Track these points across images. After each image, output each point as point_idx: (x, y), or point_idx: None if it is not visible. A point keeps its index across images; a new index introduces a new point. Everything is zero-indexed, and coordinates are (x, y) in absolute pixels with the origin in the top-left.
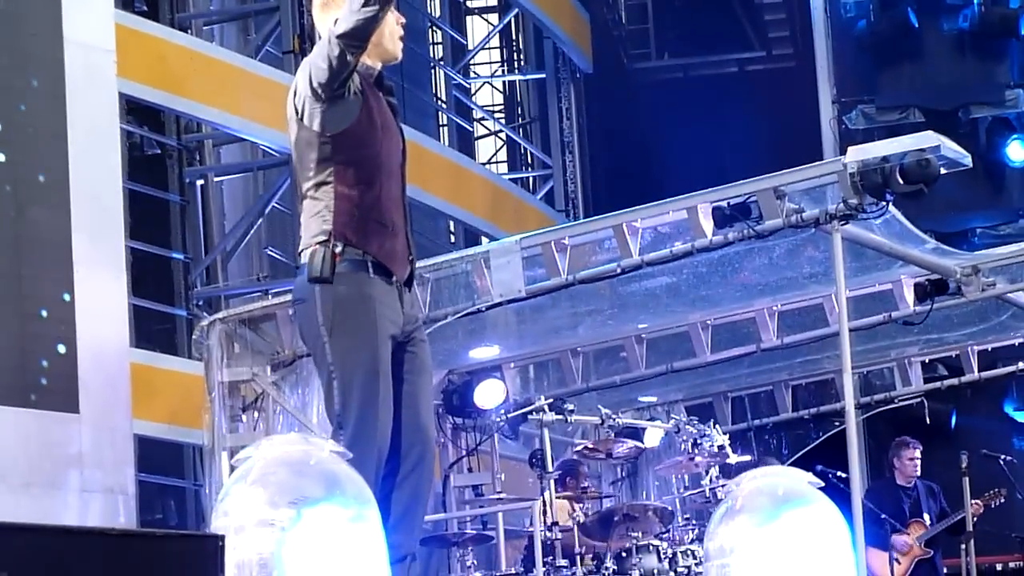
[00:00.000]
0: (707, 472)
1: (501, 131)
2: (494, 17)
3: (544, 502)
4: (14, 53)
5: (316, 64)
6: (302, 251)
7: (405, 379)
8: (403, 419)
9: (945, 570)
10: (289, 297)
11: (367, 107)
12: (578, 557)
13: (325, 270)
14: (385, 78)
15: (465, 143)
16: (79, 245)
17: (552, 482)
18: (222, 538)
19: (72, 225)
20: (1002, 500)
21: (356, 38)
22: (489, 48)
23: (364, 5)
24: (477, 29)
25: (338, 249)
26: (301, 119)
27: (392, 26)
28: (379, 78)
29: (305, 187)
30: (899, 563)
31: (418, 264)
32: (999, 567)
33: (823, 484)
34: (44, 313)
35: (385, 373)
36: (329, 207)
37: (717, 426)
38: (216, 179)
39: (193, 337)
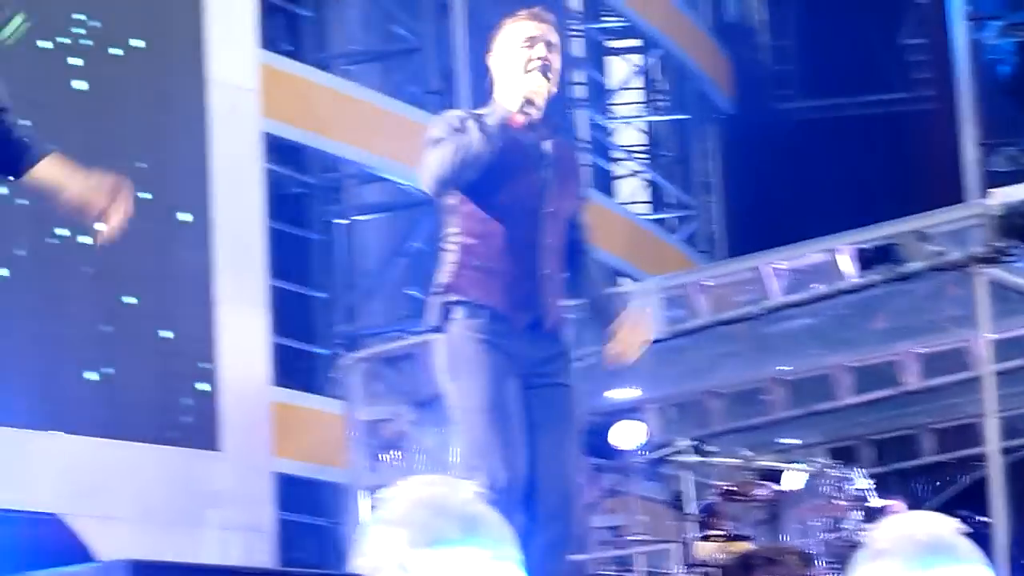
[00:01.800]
0: (849, 516)
1: (642, 171)
2: (636, 58)
3: (684, 544)
4: (159, 93)
5: (426, 163)
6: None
7: (542, 424)
8: (542, 463)
9: None
10: (427, 337)
11: (493, 155)
12: None
13: (438, 319)
14: (547, 118)
15: (605, 183)
16: (222, 284)
17: (692, 524)
18: None
19: (215, 264)
20: None
21: (442, 185)
22: (630, 89)
23: (451, 158)
24: (618, 70)
25: (451, 300)
26: None
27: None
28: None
29: (443, 235)
30: None
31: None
32: None
33: (968, 531)
34: (187, 351)
35: (506, 415)
36: (449, 258)
37: (859, 469)
38: (358, 218)
39: (334, 376)
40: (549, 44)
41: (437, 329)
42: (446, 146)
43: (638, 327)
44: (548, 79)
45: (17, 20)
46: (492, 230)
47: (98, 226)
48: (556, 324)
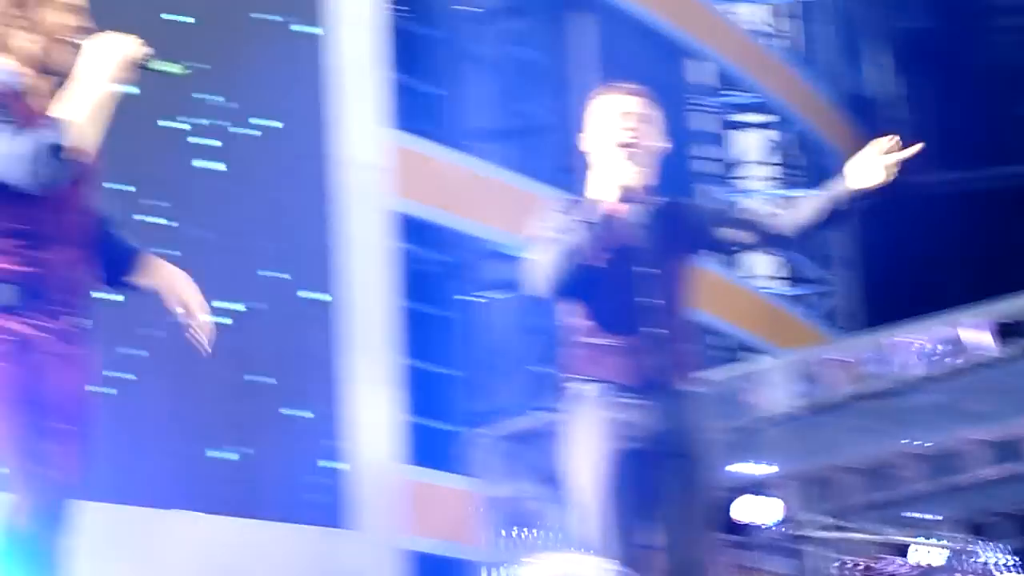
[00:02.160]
0: None
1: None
2: (764, 132)
3: None
4: (291, 172)
5: (533, 266)
6: None
7: (670, 497)
8: (669, 536)
9: None
10: (553, 416)
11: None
12: None
13: (560, 399)
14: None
15: (738, 259)
16: (356, 363)
17: None
18: None
19: (348, 343)
20: None
21: (554, 290)
22: (758, 163)
23: (552, 264)
24: (746, 144)
25: (571, 381)
26: None
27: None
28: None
29: (558, 315)
30: None
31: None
32: None
33: None
34: (321, 430)
35: (624, 490)
36: (568, 340)
37: (998, 545)
38: (489, 296)
39: (467, 454)
40: (642, 116)
41: (560, 408)
42: (554, 249)
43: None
44: (638, 162)
45: (175, 66)
46: (600, 309)
47: (189, 322)
48: (681, 389)
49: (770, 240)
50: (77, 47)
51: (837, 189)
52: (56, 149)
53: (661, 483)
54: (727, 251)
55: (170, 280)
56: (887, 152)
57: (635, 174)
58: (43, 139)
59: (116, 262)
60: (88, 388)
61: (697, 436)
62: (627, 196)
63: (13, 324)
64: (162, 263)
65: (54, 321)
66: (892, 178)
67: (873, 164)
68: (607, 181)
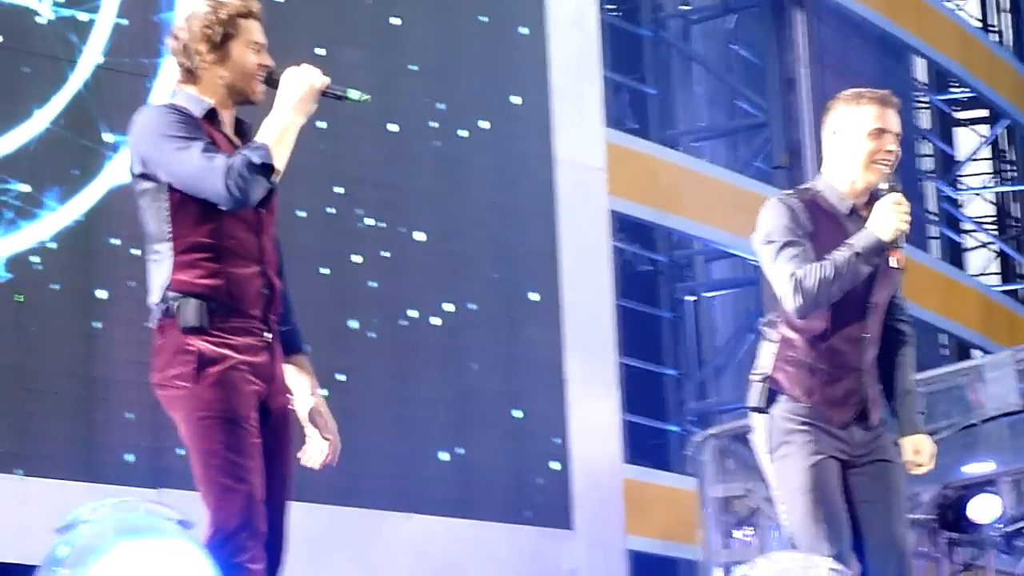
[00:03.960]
0: None
1: (992, 243)
2: (984, 128)
3: None
4: (506, 173)
5: (774, 281)
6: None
7: (866, 501)
8: (871, 542)
9: None
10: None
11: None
12: None
13: (761, 402)
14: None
15: (956, 255)
16: (572, 363)
17: None
18: None
19: (565, 343)
20: None
21: (815, 309)
22: (979, 159)
23: (827, 283)
24: (966, 141)
25: (773, 387)
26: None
27: None
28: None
29: (764, 320)
30: None
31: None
32: None
33: None
34: (538, 430)
35: (827, 495)
36: (772, 350)
37: None
38: (707, 295)
39: (686, 453)
40: (896, 136)
41: (758, 409)
42: (820, 271)
43: None
44: (895, 184)
45: (357, 93)
46: (814, 326)
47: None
48: (879, 419)
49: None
50: (261, 81)
51: (899, 422)
52: (254, 166)
53: (861, 488)
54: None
55: (321, 411)
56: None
57: (876, 188)
58: (242, 156)
59: (290, 337)
60: (281, 399)
61: (891, 441)
62: (869, 207)
63: (200, 343)
64: (317, 396)
65: (238, 338)
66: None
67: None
68: (848, 192)
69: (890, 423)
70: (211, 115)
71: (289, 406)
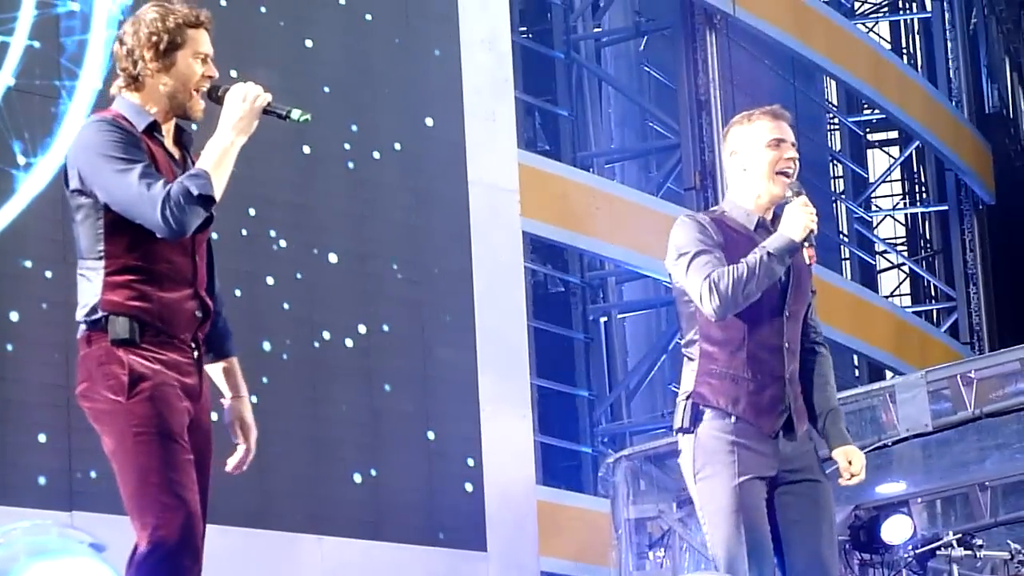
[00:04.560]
0: None
1: (904, 264)
2: (895, 150)
3: None
4: (419, 194)
5: (690, 290)
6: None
7: (794, 521)
8: (797, 562)
9: None
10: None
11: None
12: None
13: (686, 422)
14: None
15: (868, 277)
16: (486, 384)
17: None
18: None
19: (479, 364)
20: None
21: (731, 311)
22: (890, 181)
23: (741, 283)
24: (878, 162)
25: (699, 404)
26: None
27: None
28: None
29: (682, 341)
30: None
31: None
32: None
33: None
34: (451, 452)
35: (751, 516)
36: (693, 367)
37: None
38: (619, 316)
39: (599, 474)
40: (793, 145)
41: (685, 431)
42: (734, 271)
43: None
44: (790, 180)
45: (299, 112)
46: (732, 336)
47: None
48: (793, 426)
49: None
50: (203, 95)
51: (825, 435)
52: (192, 197)
53: (790, 508)
54: None
55: (240, 415)
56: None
57: (781, 200)
58: (180, 186)
59: (214, 343)
60: (206, 417)
61: (818, 460)
62: (777, 216)
63: (130, 357)
64: (241, 398)
65: (168, 354)
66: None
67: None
68: (754, 208)
69: (816, 440)
70: (152, 128)
71: (209, 425)
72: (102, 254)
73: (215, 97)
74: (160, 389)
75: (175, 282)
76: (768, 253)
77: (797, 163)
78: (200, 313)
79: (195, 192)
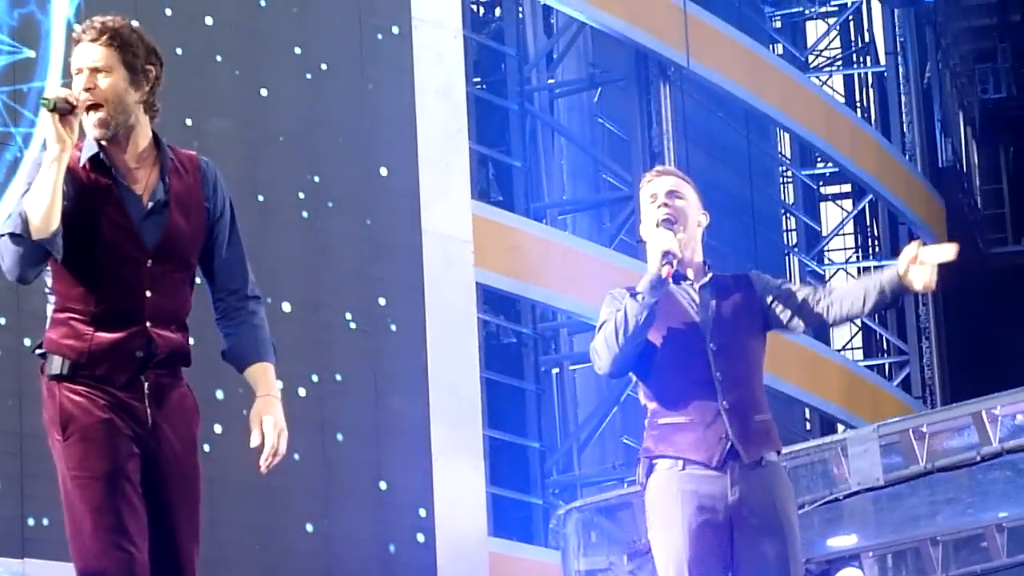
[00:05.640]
0: None
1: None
2: (848, 203)
3: None
4: (374, 244)
5: (593, 347)
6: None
7: (752, 562)
8: None
9: None
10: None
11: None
12: None
13: (640, 476)
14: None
15: (820, 330)
16: (437, 434)
17: None
18: None
19: (431, 414)
20: None
21: (616, 365)
22: (843, 234)
23: (612, 335)
24: (831, 215)
25: (648, 458)
26: None
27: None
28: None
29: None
30: None
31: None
32: None
33: None
34: (403, 502)
35: (701, 565)
36: (645, 423)
37: None
38: (571, 368)
39: (550, 526)
40: (671, 194)
41: (642, 485)
42: (607, 327)
43: None
44: (675, 229)
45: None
46: (668, 388)
47: (263, 459)
48: (757, 461)
49: (812, 321)
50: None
51: (888, 282)
52: (10, 238)
53: (742, 555)
54: (782, 327)
55: (264, 413)
56: (931, 255)
57: (672, 247)
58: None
59: (233, 357)
60: (170, 451)
61: (778, 507)
62: (668, 264)
63: (64, 395)
64: (264, 397)
65: (111, 391)
66: (933, 283)
67: (924, 266)
68: (655, 260)
69: (773, 479)
70: (95, 159)
71: (183, 459)
72: (50, 291)
73: (60, 110)
74: (92, 430)
75: (116, 322)
76: (633, 294)
77: (684, 208)
78: (143, 352)
79: (6, 232)
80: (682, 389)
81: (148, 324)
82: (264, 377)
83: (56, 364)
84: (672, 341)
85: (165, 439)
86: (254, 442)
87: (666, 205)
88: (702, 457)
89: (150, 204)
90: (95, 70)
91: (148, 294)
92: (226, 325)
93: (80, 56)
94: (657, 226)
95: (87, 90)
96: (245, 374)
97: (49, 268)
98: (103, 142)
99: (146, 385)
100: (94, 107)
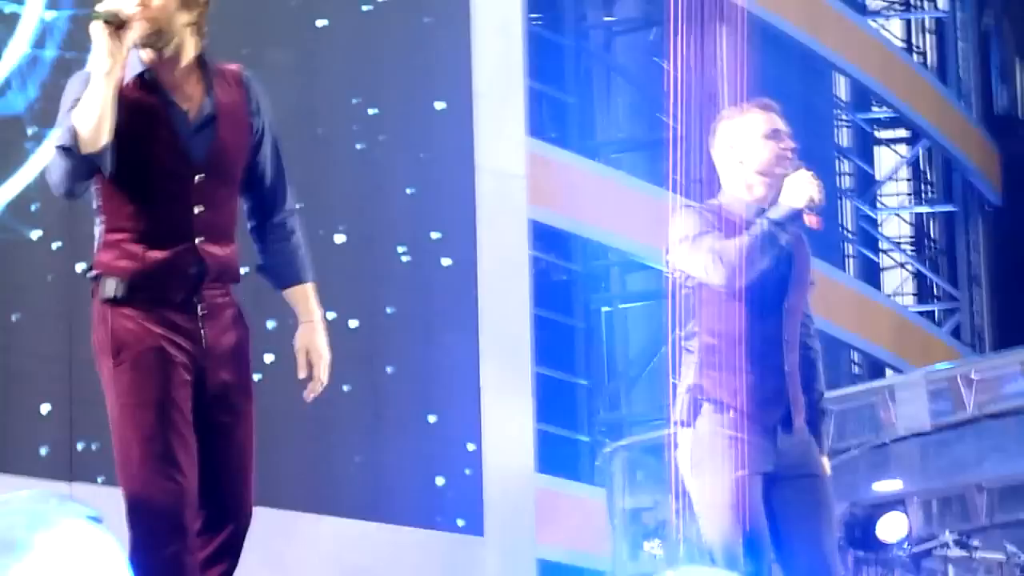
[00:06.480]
0: None
1: (908, 263)
2: (903, 148)
3: None
4: (428, 178)
5: (694, 267)
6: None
7: (793, 516)
8: (797, 557)
9: None
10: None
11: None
12: None
13: (685, 415)
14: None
15: (871, 275)
16: (487, 371)
17: None
18: None
19: (481, 351)
20: None
21: (738, 275)
22: (897, 179)
23: (745, 250)
24: (886, 160)
25: (699, 397)
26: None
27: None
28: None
29: (682, 334)
30: None
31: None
32: None
33: None
34: (451, 436)
35: (749, 511)
36: (693, 360)
37: None
38: (622, 306)
39: (596, 463)
40: (789, 134)
41: (684, 424)
42: (738, 240)
43: None
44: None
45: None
46: (732, 329)
47: (309, 388)
48: (792, 420)
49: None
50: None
51: None
52: (55, 151)
53: (789, 503)
54: None
55: (306, 342)
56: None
57: (817, 193)
58: (52, 145)
59: (271, 273)
60: (225, 373)
61: (817, 455)
62: (810, 211)
63: (116, 319)
64: (306, 324)
65: (162, 313)
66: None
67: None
68: (751, 197)
69: (815, 434)
70: (140, 78)
71: (235, 379)
72: (98, 212)
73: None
74: (143, 357)
75: (166, 240)
76: (769, 220)
77: (795, 152)
78: (196, 269)
79: (56, 145)
80: (751, 340)
81: (198, 240)
82: (305, 301)
83: (110, 286)
84: (760, 289)
85: (219, 359)
86: (301, 373)
87: (791, 149)
88: (758, 415)
89: (197, 120)
90: None
91: (197, 210)
92: (263, 240)
93: None
94: (780, 166)
95: (138, 6)
96: (284, 294)
97: (97, 189)
98: (148, 60)
99: (199, 305)
100: (143, 24)
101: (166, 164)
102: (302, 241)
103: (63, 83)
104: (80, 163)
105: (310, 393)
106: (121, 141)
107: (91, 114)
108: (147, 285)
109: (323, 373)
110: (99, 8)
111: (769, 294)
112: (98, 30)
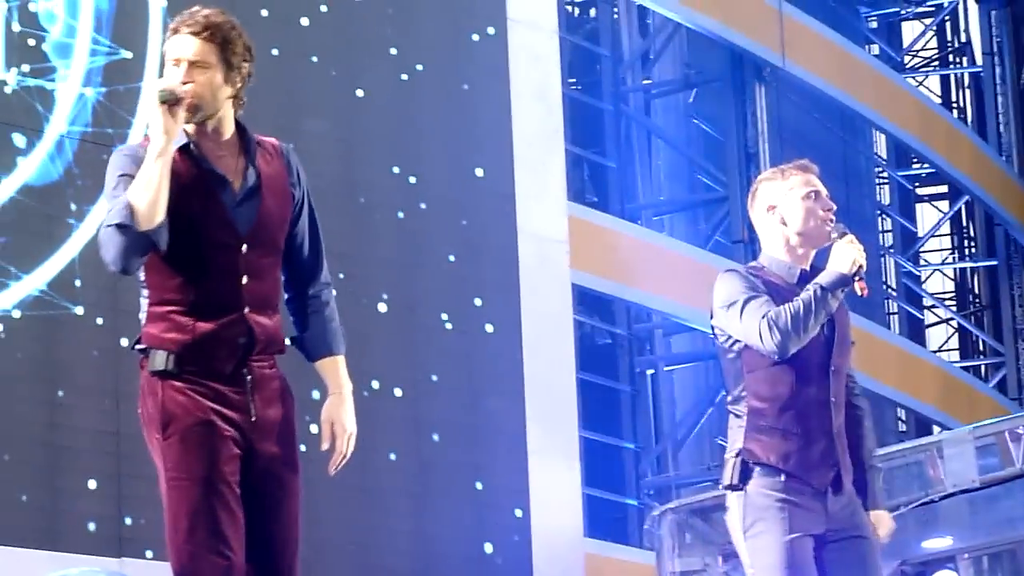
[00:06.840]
0: None
1: (952, 319)
2: (944, 204)
3: None
4: (469, 244)
5: (746, 333)
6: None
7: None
8: None
9: None
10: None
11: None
12: None
13: (735, 479)
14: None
15: (916, 331)
16: (533, 434)
17: None
18: None
19: (527, 416)
20: None
21: (792, 342)
22: (939, 235)
23: (800, 317)
24: (927, 216)
25: (748, 461)
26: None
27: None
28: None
29: (728, 398)
30: None
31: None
32: None
33: None
34: (499, 503)
35: (801, 573)
36: (741, 424)
37: None
38: (666, 369)
39: (644, 527)
40: (828, 196)
41: (733, 487)
42: (790, 307)
43: None
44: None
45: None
46: (780, 393)
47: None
48: (842, 482)
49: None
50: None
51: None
52: (105, 230)
53: (836, 565)
54: None
55: (332, 414)
56: None
57: (862, 258)
58: (104, 223)
59: (304, 344)
60: (271, 446)
61: (864, 516)
62: (860, 278)
63: (166, 392)
64: (335, 395)
65: (211, 385)
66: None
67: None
68: (792, 259)
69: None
70: (185, 147)
71: (282, 451)
72: (144, 284)
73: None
74: (192, 431)
75: (215, 311)
76: (821, 287)
77: (835, 213)
78: (245, 340)
79: (105, 224)
80: (799, 403)
81: (246, 311)
82: (335, 372)
83: (160, 359)
84: (805, 352)
85: (267, 431)
86: (324, 445)
87: (831, 210)
88: (808, 477)
89: (241, 191)
90: (194, 64)
91: (244, 280)
92: (299, 312)
93: (178, 47)
94: (820, 226)
95: (184, 84)
96: (316, 366)
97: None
98: (192, 132)
99: (248, 377)
100: (190, 100)
101: (214, 235)
102: (336, 313)
103: (104, 159)
104: (137, 240)
105: (332, 466)
106: (170, 214)
107: (148, 191)
108: (197, 357)
109: (346, 446)
110: (155, 87)
111: (815, 357)
112: (155, 108)
